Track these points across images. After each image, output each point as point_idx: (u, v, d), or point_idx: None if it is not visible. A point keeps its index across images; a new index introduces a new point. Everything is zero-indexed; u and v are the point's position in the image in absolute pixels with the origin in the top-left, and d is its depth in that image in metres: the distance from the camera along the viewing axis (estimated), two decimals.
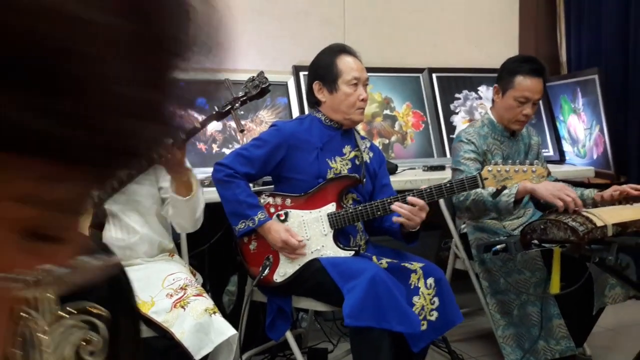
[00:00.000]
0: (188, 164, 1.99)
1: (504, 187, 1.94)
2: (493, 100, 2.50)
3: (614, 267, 2.09)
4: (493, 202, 2.17)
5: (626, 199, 2.28)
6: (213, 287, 2.70)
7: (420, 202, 1.92)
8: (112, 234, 1.89)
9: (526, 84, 2.36)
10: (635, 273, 2.42)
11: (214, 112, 1.80)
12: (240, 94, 1.82)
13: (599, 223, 2.00)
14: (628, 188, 2.27)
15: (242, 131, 1.91)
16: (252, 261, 2.06)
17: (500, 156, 2.43)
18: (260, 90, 1.82)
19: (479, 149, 2.40)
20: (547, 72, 2.48)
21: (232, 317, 2.39)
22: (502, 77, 2.43)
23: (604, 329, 3.02)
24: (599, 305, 2.35)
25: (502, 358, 2.40)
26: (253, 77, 1.83)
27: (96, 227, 1.81)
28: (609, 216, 2.06)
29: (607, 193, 2.31)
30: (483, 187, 1.93)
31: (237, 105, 1.80)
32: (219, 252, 2.67)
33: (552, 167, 3.42)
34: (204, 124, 1.82)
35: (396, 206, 1.92)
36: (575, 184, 3.47)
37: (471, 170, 2.24)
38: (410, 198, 1.93)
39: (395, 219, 1.97)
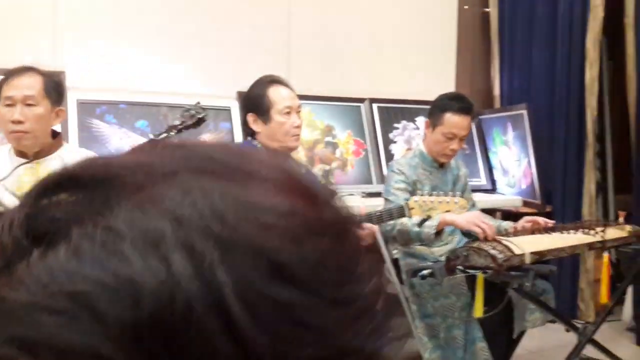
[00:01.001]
0: None
1: (429, 217, 2.05)
2: (424, 133, 2.64)
3: (530, 293, 2.23)
4: (416, 232, 2.30)
5: (539, 230, 2.45)
6: None
7: (373, 226, 2.00)
8: None
9: (454, 121, 2.50)
10: (554, 298, 2.58)
11: (149, 141, 1.85)
12: (177, 122, 1.87)
13: (517, 251, 2.13)
14: (539, 219, 2.45)
15: None
16: None
17: (429, 186, 2.56)
18: (196, 120, 1.87)
19: (409, 179, 2.52)
20: (474, 110, 2.63)
21: None
22: (433, 112, 2.57)
23: (527, 352, 3.17)
24: (520, 328, 2.48)
25: None
26: (189, 107, 1.88)
27: None
28: (527, 245, 2.20)
29: (519, 225, 2.47)
30: (409, 217, 2.03)
31: (172, 133, 1.85)
32: None
33: (484, 196, 3.60)
34: None
35: None
36: (504, 212, 3.66)
37: (399, 200, 2.37)
38: (367, 224, 2.00)
39: None
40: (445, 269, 2.22)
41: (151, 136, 1.86)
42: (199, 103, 1.89)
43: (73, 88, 2.91)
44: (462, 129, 2.51)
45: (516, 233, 2.45)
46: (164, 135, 1.85)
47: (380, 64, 3.85)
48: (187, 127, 1.87)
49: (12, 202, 1.89)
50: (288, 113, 2.15)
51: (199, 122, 1.87)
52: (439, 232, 2.31)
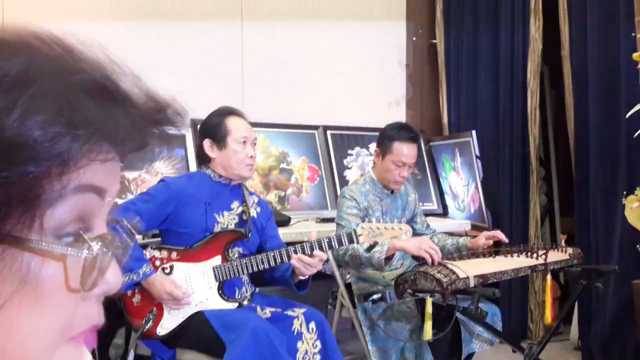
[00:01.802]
0: None
1: (376, 243, 2.11)
2: (374, 161, 2.72)
3: (475, 315, 2.30)
4: (367, 257, 2.36)
5: (496, 248, 2.54)
6: (100, 339, 2.66)
7: (322, 254, 2.06)
8: None
9: (402, 149, 2.59)
10: (501, 320, 2.66)
11: None
12: None
13: (462, 275, 2.20)
14: (498, 234, 2.56)
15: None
16: (135, 314, 2.08)
17: (380, 211, 2.64)
18: None
19: (360, 204, 2.59)
20: (420, 138, 2.73)
21: None
22: (382, 142, 2.66)
23: None
24: (468, 350, 2.55)
25: None
26: None
27: None
28: (471, 268, 2.28)
29: (480, 240, 2.57)
30: (358, 242, 2.09)
31: None
32: (106, 304, 2.65)
33: (435, 220, 3.69)
34: None
35: (296, 259, 2.04)
36: (455, 235, 3.75)
37: (352, 226, 2.43)
38: (316, 252, 2.05)
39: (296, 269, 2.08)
40: (395, 293, 2.28)
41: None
42: None
43: None
44: (411, 157, 2.61)
45: (469, 251, 2.54)
46: None
47: (333, 92, 3.94)
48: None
49: None
50: (244, 143, 2.20)
51: None
52: (389, 258, 2.38)
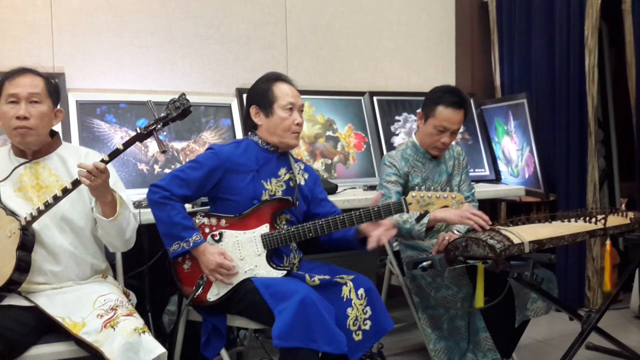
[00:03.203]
0: (120, 184, 2.04)
1: (427, 212, 2.06)
2: (418, 125, 2.64)
3: (530, 282, 2.23)
4: (407, 229, 2.33)
5: (545, 217, 2.44)
6: (153, 307, 2.73)
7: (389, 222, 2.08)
8: (41, 256, 1.92)
9: (445, 114, 2.49)
10: (557, 287, 2.57)
11: (137, 133, 1.86)
12: (163, 114, 1.89)
13: (516, 240, 2.12)
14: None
15: (163, 152, 1.96)
16: (186, 280, 2.11)
17: (420, 178, 2.57)
18: (181, 111, 1.89)
19: (399, 171, 2.54)
20: (470, 103, 2.61)
21: (172, 337, 2.43)
22: (426, 104, 2.57)
23: (534, 341, 3.17)
24: (522, 318, 2.47)
25: None
26: (174, 99, 1.90)
27: (24, 248, 1.83)
28: (526, 234, 2.19)
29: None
30: (407, 212, 2.03)
31: (159, 126, 1.87)
32: (159, 272, 2.71)
33: (488, 186, 3.59)
34: (126, 145, 1.87)
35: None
36: (508, 202, 3.65)
37: (390, 194, 2.41)
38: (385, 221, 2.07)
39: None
40: (446, 259, 2.22)
41: (138, 130, 1.88)
42: (183, 95, 1.91)
43: (73, 89, 2.94)
44: (454, 122, 2.51)
45: (530, 218, 2.42)
46: (152, 127, 1.87)
47: (378, 57, 3.84)
48: (173, 119, 1.90)
49: (13, 201, 1.92)
50: (290, 109, 2.17)
51: (184, 112, 1.90)
52: (429, 228, 2.33)
